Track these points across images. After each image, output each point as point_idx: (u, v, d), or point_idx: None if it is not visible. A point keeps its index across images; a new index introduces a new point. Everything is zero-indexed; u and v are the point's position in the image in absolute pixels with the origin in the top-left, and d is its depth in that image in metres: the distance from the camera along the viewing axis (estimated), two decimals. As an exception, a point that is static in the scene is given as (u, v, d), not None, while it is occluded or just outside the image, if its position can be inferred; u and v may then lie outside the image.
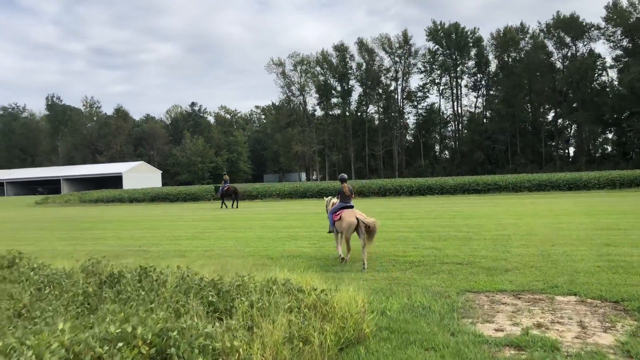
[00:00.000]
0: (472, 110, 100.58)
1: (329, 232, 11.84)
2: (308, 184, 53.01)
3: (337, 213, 10.90)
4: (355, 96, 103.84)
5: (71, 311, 5.37)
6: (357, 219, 10.40)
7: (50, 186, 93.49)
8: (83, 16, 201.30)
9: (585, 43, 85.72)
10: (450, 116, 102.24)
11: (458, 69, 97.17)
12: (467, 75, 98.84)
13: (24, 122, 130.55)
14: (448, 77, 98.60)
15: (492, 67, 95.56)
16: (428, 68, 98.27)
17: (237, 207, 32.06)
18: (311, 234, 15.18)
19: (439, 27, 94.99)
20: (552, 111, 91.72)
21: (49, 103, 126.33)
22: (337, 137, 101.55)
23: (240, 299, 5.61)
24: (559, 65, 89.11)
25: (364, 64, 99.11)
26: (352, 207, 10.98)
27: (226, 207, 32.33)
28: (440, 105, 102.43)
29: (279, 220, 21.48)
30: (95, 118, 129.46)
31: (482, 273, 9.17)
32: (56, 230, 20.70)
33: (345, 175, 11.77)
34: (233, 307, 5.55)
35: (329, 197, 12.48)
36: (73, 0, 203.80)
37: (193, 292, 5.77)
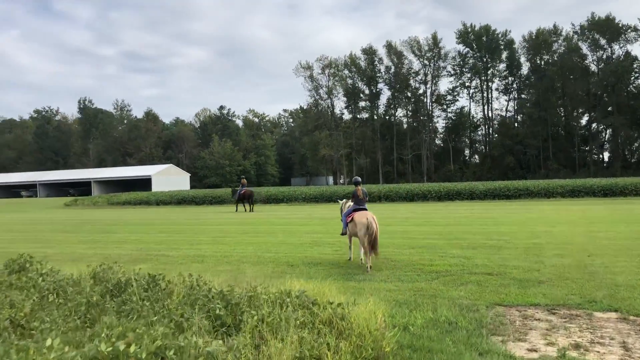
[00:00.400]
0: (503, 114, 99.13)
1: (342, 234, 11.91)
2: (334, 187, 52.61)
3: (350, 215, 11.00)
4: (383, 99, 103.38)
5: (70, 323, 5.03)
6: (367, 219, 10.34)
7: (82, 188, 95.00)
8: (116, 21, 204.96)
9: (621, 45, 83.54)
10: (481, 120, 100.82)
11: (489, 72, 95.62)
12: (498, 79, 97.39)
13: (57, 124, 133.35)
14: (478, 80, 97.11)
15: (524, 70, 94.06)
16: (458, 71, 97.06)
17: (251, 210, 32.43)
18: (334, 240, 14.73)
19: (470, 29, 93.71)
20: (586, 115, 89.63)
21: (81, 106, 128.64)
22: (364, 140, 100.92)
23: (250, 312, 5.19)
24: (593, 68, 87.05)
25: (393, 67, 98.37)
26: (365, 209, 11.02)
27: (245, 210, 32.79)
28: (470, 108, 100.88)
29: (303, 225, 21.11)
30: (125, 121, 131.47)
31: (513, 285, 8.62)
32: (80, 232, 20.69)
33: (359, 179, 11.81)
34: (242, 321, 5.14)
35: (344, 200, 12.48)
36: (106, 6, 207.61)
37: (199, 305, 5.37)
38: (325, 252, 12.83)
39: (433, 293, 8.18)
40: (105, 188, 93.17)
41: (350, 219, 10.92)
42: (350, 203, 11.64)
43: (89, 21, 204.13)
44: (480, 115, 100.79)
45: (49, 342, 3.89)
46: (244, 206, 33.26)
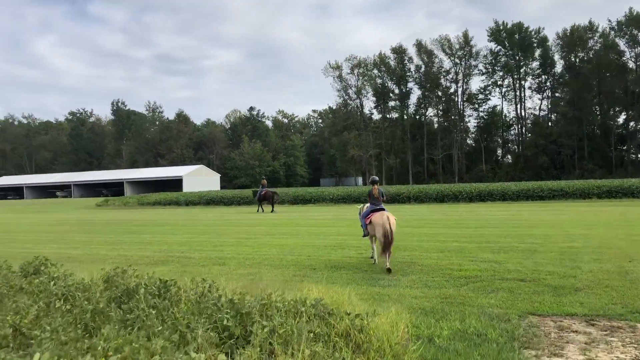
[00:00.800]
0: (537, 113, 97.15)
1: (363, 236, 11.73)
2: (362, 188, 52.08)
3: (368, 216, 10.89)
4: (413, 99, 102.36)
5: (71, 332, 4.72)
6: (383, 220, 10.26)
7: (115, 188, 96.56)
8: (149, 24, 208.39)
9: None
10: (513, 119, 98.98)
11: (521, 70, 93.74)
12: (531, 77, 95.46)
13: (91, 126, 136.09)
14: (511, 79, 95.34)
15: (558, 68, 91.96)
16: (490, 69, 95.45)
17: (273, 211, 32.44)
18: (359, 242, 14.30)
19: (502, 27, 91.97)
20: (623, 113, 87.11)
21: (114, 108, 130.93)
22: (394, 140, 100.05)
23: (261, 323, 4.82)
24: (631, 65, 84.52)
25: (423, 66, 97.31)
26: (382, 209, 10.90)
27: (262, 210, 32.95)
28: (502, 107, 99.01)
29: (328, 226, 20.72)
30: (157, 122, 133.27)
31: (547, 292, 8.06)
32: (106, 233, 20.71)
33: (376, 178, 11.76)
34: (252, 332, 4.77)
35: (362, 205, 12.42)
36: (140, 9, 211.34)
37: (207, 314, 5.03)
38: (350, 255, 12.42)
39: (461, 300, 7.70)
40: (138, 188, 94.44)
41: (369, 220, 10.79)
42: (368, 204, 11.49)
43: (123, 25, 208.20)
44: (512, 114, 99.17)
45: (36, 357, 3.59)
46: (262, 207, 33.44)
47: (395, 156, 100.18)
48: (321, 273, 10.16)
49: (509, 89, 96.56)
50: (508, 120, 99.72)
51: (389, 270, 10.02)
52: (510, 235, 15.30)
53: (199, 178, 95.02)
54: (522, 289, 8.31)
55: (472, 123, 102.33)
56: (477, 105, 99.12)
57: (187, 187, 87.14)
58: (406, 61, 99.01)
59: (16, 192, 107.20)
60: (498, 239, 14.45)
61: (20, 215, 39.43)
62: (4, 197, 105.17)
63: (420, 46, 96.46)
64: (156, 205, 46.98)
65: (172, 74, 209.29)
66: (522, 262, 10.72)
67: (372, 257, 11.36)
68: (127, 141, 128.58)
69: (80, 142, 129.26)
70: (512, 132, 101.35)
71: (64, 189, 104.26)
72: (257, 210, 33.03)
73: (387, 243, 10.10)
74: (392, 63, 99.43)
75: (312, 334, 4.74)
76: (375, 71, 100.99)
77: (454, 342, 5.76)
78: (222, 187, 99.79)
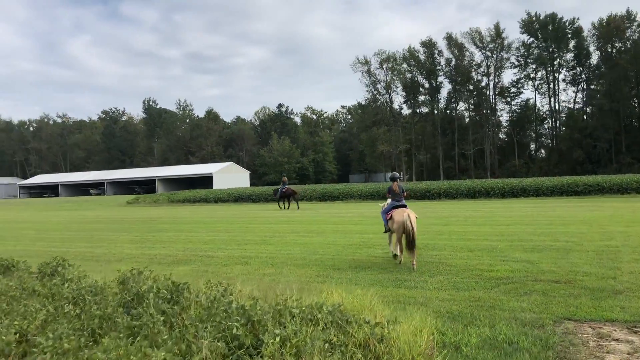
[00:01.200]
0: (571, 106, 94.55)
1: (384, 232, 11.73)
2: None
3: (389, 212, 10.92)
4: (444, 93, 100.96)
5: (73, 341, 4.49)
6: (403, 217, 10.21)
7: (147, 186, 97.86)
8: (179, 23, 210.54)
9: (702, 29, 77.77)
10: (547, 113, 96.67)
11: (555, 63, 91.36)
12: (565, 69, 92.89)
13: (124, 124, 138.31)
14: (544, 72, 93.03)
15: (594, 59, 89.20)
16: (522, 62, 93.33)
17: (297, 208, 32.66)
18: (385, 241, 13.88)
19: (534, 18, 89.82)
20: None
21: (146, 107, 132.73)
22: (424, 136, 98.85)
23: (273, 332, 4.50)
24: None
25: (454, 60, 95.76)
26: (404, 206, 10.94)
27: (285, 208, 32.97)
28: (535, 101, 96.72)
29: (355, 224, 20.31)
30: (187, 120, 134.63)
31: (584, 295, 7.56)
32: (133, 231, 20.74)
33: (397, 174, 11.93)
34: (263, 342, 4.46)
35: (384, 201, 12.36)
36: (170, 9, 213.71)
37: (215, 322, 4.73)
38: (375, 255, 12.04)
39: (492, 304, 7.28)
40: (169, 186, 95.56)
41: (389, 216, 10.77)
42: (389, 201, 11.45)
43: (154, 24, 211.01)
44: (546, 107, 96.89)
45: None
46: (282, 204, 33.55)
47: (425, 151, 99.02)
48: (345, 274, 9.84)
49: (542, 81, 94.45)
50: (541, 113, 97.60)
51: (395, 257, 10.70)
52: (544, 233, 14.69)
53: (229, 175, 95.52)
54: (557, 292, 7.84)
55: (504, 117, 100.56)
56: (509, 99, 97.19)
57: (217, 184, 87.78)
58: (436, 55, 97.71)
59: (52, 190, 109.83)
60: (531, 237, 13.89)
61: (54, 213, 40.12)
62: (40, 195, 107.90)
63: (450, 39, 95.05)
64: (185, 202, 47.28)
65: (202, 72, 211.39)
66: (557, 262, 10.19)
67: (396, 257, 10.99)
68: (159, 139, 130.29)
69: (113, 141, 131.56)
70: (545, 126, 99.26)
71: (98, 187, 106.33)
72: (286, 207, 32.95)
73: (409, 241, 10.00)
74: (421, 57, 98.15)
75: (327, 344, 4.41)
76: (405, 65, 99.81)
77: (483, 351, 5.37)
78: (251, 184, 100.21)
